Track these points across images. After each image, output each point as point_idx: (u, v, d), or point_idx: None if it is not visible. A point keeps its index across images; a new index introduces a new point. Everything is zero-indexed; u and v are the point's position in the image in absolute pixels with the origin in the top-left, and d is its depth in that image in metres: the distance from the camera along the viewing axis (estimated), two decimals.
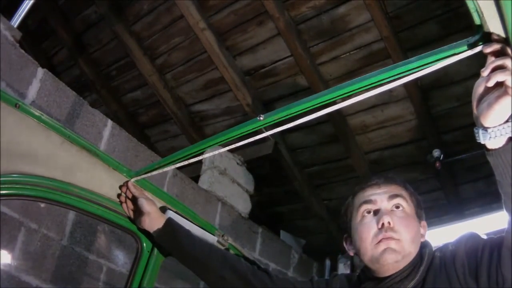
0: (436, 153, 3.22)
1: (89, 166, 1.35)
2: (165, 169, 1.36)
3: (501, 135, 0.85)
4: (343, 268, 3.72)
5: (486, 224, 2.92)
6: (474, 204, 3.42)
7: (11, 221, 2.08)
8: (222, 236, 1.59)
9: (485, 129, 0.86)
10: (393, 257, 1.14)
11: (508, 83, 0.78)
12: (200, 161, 3.30)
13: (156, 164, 1.38)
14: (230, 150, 2.63)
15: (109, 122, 2.60)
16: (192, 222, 1.53)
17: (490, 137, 0.86)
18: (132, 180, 1.43)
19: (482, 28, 0.79)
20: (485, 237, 1.11)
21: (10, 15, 2.52)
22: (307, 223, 4.15)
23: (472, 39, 0.83)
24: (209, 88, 3.67)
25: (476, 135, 0.88)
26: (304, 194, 3.87)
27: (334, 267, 3.86)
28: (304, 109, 1.05)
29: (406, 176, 3.17)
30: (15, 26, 2.34)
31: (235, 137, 1.17)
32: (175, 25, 3.44)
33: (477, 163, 3.16)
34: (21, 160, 1.20)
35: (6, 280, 2.02)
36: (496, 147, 0.88)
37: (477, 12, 0.76)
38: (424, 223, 1.26)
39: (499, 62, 0.79)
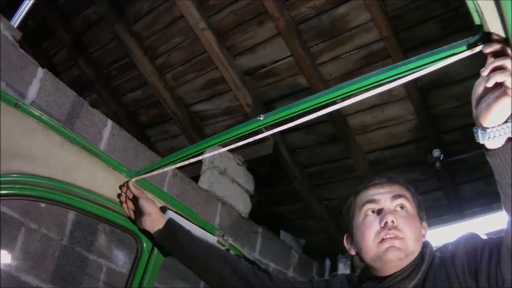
0: (436, 153, 3.22)
1: (89, 166, 1.36)
2: (165, 169, 1.36)
3: (500, 135, 0.85)
4: (343, 268, 3.72)
5: (486, 224, 2.93)
6: (474, 204, 3.42)
7: (11, 221, 2.08)
8: (222, 236, 1.59)
9: (484, 129, 0.86)
10: (397, 254, 1.14)
11: (508, 83, 0.78)
12: (200, 161, 3.30)
13: (156, 164, 1.38)
14: (230, 150, 2.63)
15: (109, 122, 2.60)
16: (192, 222, 1.53)
17: (489, 137, 0.86)
18: (133, 180, 1.43)
19: (482, 28, 0.79)
20: (485, 237, 1.11)
21: (10, 15, 2.52)
22: (307, 223, 4.15)
23: (472, 39, 0.83)
24: (209, 88, 3.67)
25: (476, 135, 0.88)
26: (304, 194, 3.87)
27: (334, 267, 3.87)
28: (304, 109, 1.05)
29: (406, 176, 3.17)
30: (15, 26, 2.34)
31: (235, 137, 1.17)
32: (175, 25, 3.44)
33: (477, 163, 3.15)
34: (21, 160, 1.20)
35: (6, 280, 2.02)
36: (495, 147, 0.88)
37: (477, 12, 0.76)
38: (424, 224, 1.27)
39: (499, 62, 0.79)
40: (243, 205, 3.49)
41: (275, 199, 4.12)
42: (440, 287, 1.09)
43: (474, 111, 0.87)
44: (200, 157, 1.27)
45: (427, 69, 0.88)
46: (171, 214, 1.48)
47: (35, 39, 4.04)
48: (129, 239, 1.95)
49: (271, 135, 1.13)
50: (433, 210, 3.45)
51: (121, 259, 2.55)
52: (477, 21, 0.78)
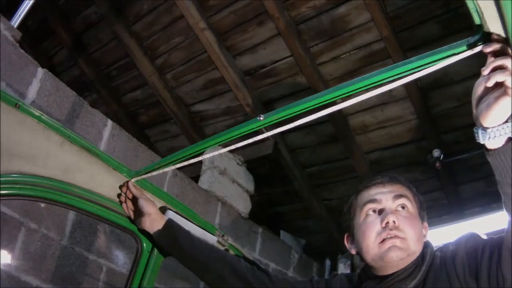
0: (436, 153, 3.22)
1: (89, 166, 1.36)
2: (165, 169, 1.36)
3: (500, 135, 0.85)
4: (343, 268, 3.72)
5: (486, 224, 2.92)
6: (474, 204, 3.42)
7: (11, 221, 2.08)
8: (222, 236, 1.59)
9: (485, 129, 0.86)
10: (398, 254, 1.13)
11: (508, 83, 0.78)
12: (200, 161, 3.30)
13: (157, 164, 1.38)
14: (230, 150, 2.63)
15: (109, 122, 2.60)
16: (192, 222, 1.53)
17: (489, 137, 0.86)
18: (133, 180, 1.43)
19: (482, 28, 0.79)
20: (485, 237, 1.11)
21: (10, 15, 2.52)
22: (307, 223, 4.15)
23: (472, 39, 0.83)
24: (209, 88, 3.67)
25: (476, 135, 0.88)
26: (304, 194, 3.87)
27: (334, 267, 3.87)
28: (304, 109, 1.05)
29: (406, 176, 3.15)
30: (15, 26, 2.34)
31: (235, 137, 1.17)
32: (175, 25, 3.44)
33: (477, 163, 3.16)
34: (21, 160, 1.20)
35: (6, 280, 2.02)
36: (496, 147, 0.88)
37: (477, 12, 0.76)
38: (425, 224, 1.27)
39: (499, 62, 0.79)
40: (243, 205, 3.49)
41: (275, 199, 4.12)
42: (441, 287, 1.09)
43: (474, 111, 0.87)
44: (200, 158, 1.27)
45: (427, 69, 0.88)
46: (171, 214, 1.48)
47: (35, 39, 4.04)
48: (129, 239, 1.95)
49: (271, 135, 1.12)
50: (433, 210, 3.45)
51: (121, 259, 2.55)
52: (477, 21, 0.78)
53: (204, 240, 1.46)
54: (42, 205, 2.18)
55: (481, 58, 0.83)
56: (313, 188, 3.90)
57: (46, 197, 1.27)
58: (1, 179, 1.15)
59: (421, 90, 3.10)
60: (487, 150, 0.90)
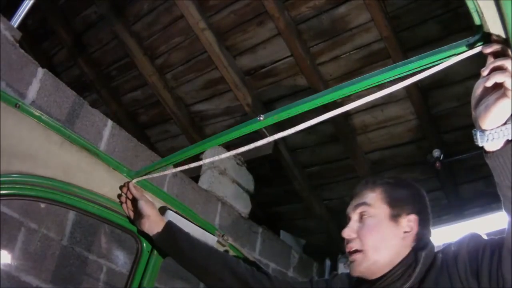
0: (436, 153, 3.22)
1: (89, 166, 1.35)
2: (166, 172, 1.37)
3: (499, 137, 0.84)
4: (343, 268, 3.72)
5: (486, 224, 2.92)
6: (474, 204, 3.42)
7: (11, 221, 2.08)
8: (222, 236, 1.60)
9: (483, 131, 0.85)
10: (358, 269, 1.18)
11: (507, 84, 0.77)
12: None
13: (157, 164, 1.38)
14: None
15: (109, 122, 2.60)
16: (192, 222, 1.53)
17: (487, 140, 0.85)
18: (134, 181, 1.43)
19: (482, 28, 0.79)
20: (486, 237, 1.11)
21: (10, 15, 2.52)
22: (307, 223, 4.15)
23: (472, 39, 0.83)
24: (209, 88, 3.66)
25: (474, 137, 0.87)
26: (304, 194, 3.87)
27: (334, 267, 3.87)
28: (304, 109, 1.05)
29: (406, 176, 3.17)
30: (15, 26, 2.34)
31: (235, 137, 1.17)
32: (175, 25, 3.44)
33: (477, 163, 3.15)
34: (21, 160, 1.20)
35: (6, 280, 2.02)
36: (494, 149, 0.87)
37: (477, 12, 0.76)
38: (410, 216, 1.20)
39: (499, 63, 0.78)
40: (243, 205, 3.49)
41: (275, 199, 4.12)
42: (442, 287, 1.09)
43: (473, 112, 0.87)
44: (200, 162, 1.27)
45: (426, 71, 0.87)
46: (171, 214, 1.48)
47: (35, 39, 4.04)
48: (129, 239, 1.95)
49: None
50: (433, 210, 3.41)
51: (121, 259, 2.55)
52: (477, 21, 0.78)
53: (203, 242, 1.46)
54: (42, 205, 2.18)
55: (481, 59, 0.83)
56: (313, 188, 3.90)
57: (46, 197, 1.27)
58: (1, 179, 1.15)
59: (421, 90, 3.10)
60: (486, 152, 0.89)
